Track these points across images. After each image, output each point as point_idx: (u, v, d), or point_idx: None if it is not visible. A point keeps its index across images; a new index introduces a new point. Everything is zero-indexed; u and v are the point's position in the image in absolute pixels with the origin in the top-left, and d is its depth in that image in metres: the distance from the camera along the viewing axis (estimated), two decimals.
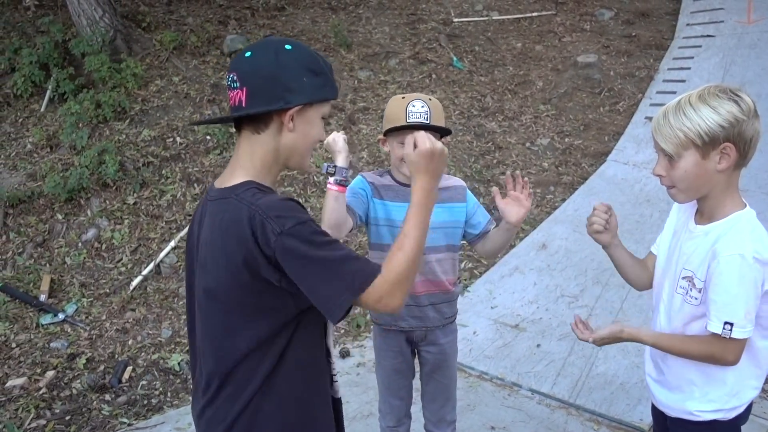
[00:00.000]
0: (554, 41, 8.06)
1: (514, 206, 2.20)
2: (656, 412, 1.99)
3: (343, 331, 4.22)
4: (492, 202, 5.42)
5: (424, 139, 1.49)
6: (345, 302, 1.38)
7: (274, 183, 1.54)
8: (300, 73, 1.44)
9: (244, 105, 1.44)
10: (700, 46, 7.34)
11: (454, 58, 7.58)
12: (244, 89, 1.44)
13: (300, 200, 5.35)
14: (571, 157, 6.20)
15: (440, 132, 2.28)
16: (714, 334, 1.68)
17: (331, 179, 2.05)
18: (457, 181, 2.47)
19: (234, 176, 1.49)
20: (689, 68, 7.00)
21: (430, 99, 2.26)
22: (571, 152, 6.28)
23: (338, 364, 3.90)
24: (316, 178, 5.61)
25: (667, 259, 1.90)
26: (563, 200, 5.59)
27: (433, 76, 7.29)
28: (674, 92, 6.64)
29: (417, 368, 2.61)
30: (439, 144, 1.50)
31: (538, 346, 3.89)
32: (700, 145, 1.64)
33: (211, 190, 1.53)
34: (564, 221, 5.20)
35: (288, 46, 1.46)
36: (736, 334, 1.64)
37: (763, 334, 1.74)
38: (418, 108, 2.22)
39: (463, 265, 4.88)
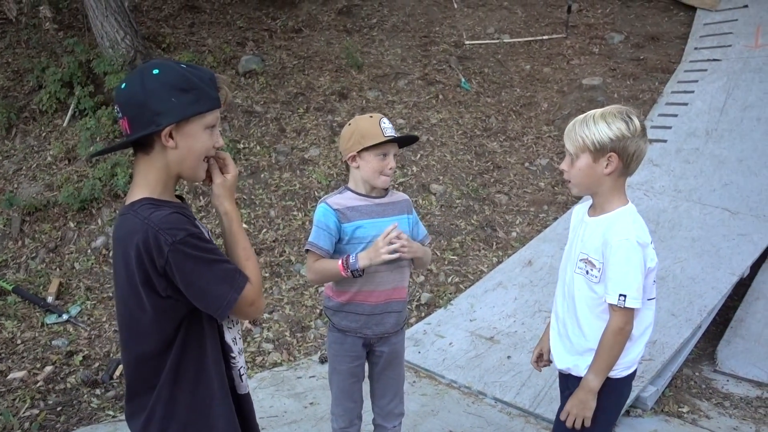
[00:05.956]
0: (562, 64, 8.21)
1: None
2: (564, 384, 2.32)
3: (326, 338, 4.42)
4: (485, 220, 5.59)
5: (233, 164, 1.75)
6: (233, 300, 1.61)
7: (172, 195, 1.72)
8: (167, 94, 1.58)
9: (129, 132, 1.62)
10: (705, 70, 7.40)
11: (462, 80, 7.79)
12: (125, 118, 1.61)
13: (297, 214, 5.60)
14: None
15: (409, 141, 2.70)
16: (611, 308, 2.02)
17: (351, 271, 2.41)
18: (402, 195, 2.68)
19: (133, 194, 1.66)
20: (692, 92, 7.07)
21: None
22: None
23: (316, 369, 4.12)
24: (316, 194, 5.85)
25: (568, 250, 2.23)
26: (555, 219, 5.71)
27: (440, 96, 7.50)
28: (676, 115, 6.73)
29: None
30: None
31: (509, 357, 4.02)
32: (593, 150, 2.04)
33: (122, 206, 1.72)
34: (552, 240, 5.33)
35: (155, 71, 1.59)
36: (630, 303, 2.01)
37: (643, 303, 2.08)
38: (388, 124, 2.51)
39: (449, 279, 5.05)
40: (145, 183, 1.65)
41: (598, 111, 2.07)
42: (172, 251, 1.54)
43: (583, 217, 2.20)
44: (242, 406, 1.84)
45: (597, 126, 2.02)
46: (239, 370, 1.83)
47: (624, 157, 2.02)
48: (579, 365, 2.18)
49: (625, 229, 2.03)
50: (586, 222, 2.16)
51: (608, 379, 2.11)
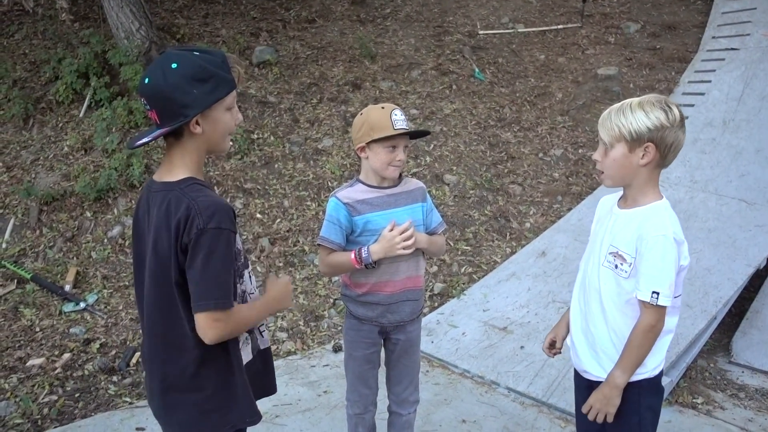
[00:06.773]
0: (577, 53, 8.15)
1: None
2: (579, 379, 2.27)
3: (339, 328, 4.45)
4: (498, 211, 5.58)
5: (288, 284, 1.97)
6: (205, 307, 1.68)
7: (203, 172, 1.85)
8: (189, 86, 1.70)
9: (159, 123, 1.74)
10: (723, 59, 7.31)
11: (476, 70, 7.75)
12: (154, 111, 1.73)
13: (311, 204, 5.63)
14: (583, 168, 6.29)
15: (420, 135, 2.72)
16: (643, 305, 1.97)
17: (364, 264, 2.45)
18: (417, 183, 2.68)
19: (174, 173, 1.78)
20: (710, 81, 7.00)
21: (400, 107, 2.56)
22: (583, 163, 6.36)
23: (330, 358, 4.15)
24: (330, 184, 5.87)
25: (593, 242, 2.18)
26: (569, 209, 5.69)
27: (454, 87, 7.47)
28: (692, 105, 6.66)
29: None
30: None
31: (522, 347, 4.03)
32: (629, 140, 1.97)
33: (152, 183, 1.83)
34: (566, 230, 5.31)
35: (174, 65, 1.70)
36: (662, 301, 1.96)
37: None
38: (399, 116, 2.47)
39: (462, 269, 5.05)
40: (184, 164, 1.79)
41: (636, 99, 2.00)
42: (199, 233, 1.66)
43: (612, 209, 2.12)
44: (266, 358, 2.00)
45: (634, 115, 1.95)
46: (260, 327, 1.99)
47: (662, 147, 1.96)
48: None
49: (662, 225, 1.97)
50: (615, 214, 2.09)
51: (647, 380, 2.07)
